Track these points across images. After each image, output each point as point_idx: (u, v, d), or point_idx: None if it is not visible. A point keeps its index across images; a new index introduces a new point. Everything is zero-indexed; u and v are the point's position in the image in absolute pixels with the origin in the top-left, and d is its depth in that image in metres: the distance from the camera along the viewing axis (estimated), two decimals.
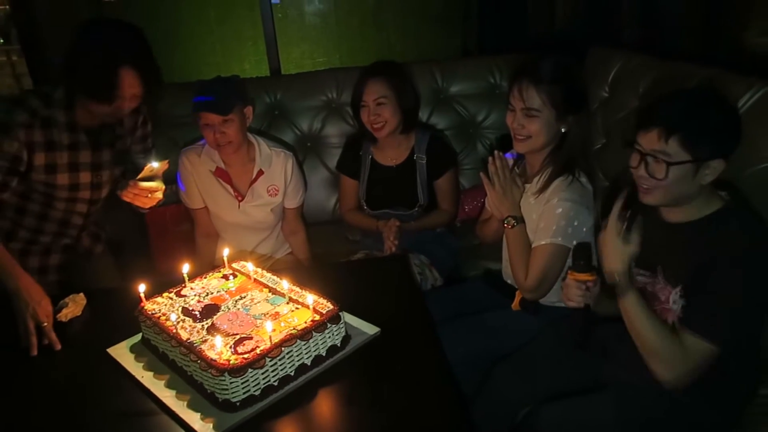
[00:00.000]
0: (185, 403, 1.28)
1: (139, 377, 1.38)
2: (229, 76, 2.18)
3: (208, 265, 2.13)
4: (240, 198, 2.19)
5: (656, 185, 1.35)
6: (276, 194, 2.22)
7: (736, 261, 1.28)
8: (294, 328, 1.33)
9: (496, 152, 1.75)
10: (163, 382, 1.36)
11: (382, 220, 2.26)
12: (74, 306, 1.68)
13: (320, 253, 2.41)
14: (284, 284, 1.47)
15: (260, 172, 2.19)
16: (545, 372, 1.61)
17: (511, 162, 1.91)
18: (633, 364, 1.50)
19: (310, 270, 2.08)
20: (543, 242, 1.68)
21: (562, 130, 1.71)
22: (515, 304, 1.84)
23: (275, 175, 2.22)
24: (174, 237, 2.41)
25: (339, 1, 3.95)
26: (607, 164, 2.06)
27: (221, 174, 2.18)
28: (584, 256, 1.46)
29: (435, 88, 2.61)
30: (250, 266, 1.60)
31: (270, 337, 1.28)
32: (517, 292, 1.83)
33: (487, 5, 3.23)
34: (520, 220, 1.74)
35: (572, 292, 1.46)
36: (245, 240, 2.28)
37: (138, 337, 1.52)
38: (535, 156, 1.78)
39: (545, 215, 1.69)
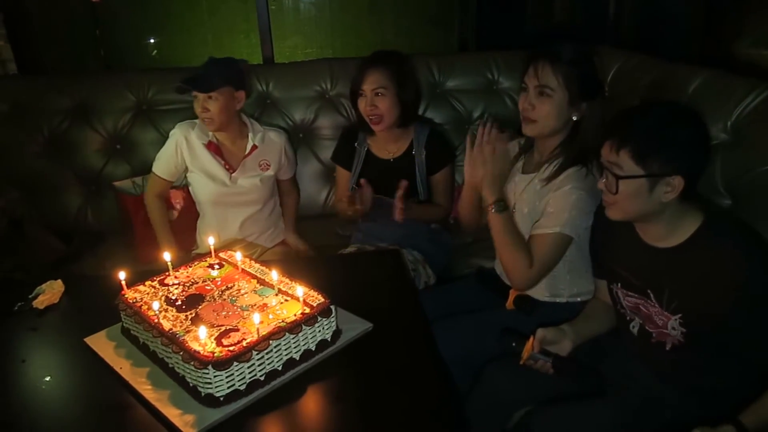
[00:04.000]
0: (166, 396, 1.22)
1: (117, 368, 1.31)
2: (224, 57, 2.18)
3: (160, 224, 2.24)
4: (231, 170, 2.21)
5: (614, 200, 1.32)
6: (267, 168, 2.26)
7: (752, 285, 1.22)
8: (283, 321, 1.27)
9: (488, 123, 1.64)
10: (142, 374, 1.29)
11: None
12: (51, 293, 1.60)
13: (309, 245, 2.36)
14: (273, 275, 1.41)
15: (254, 147, 2.22)
16: (539, 373, 1.56)
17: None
18: (631, 372, 1.47)
19: (300, 262, 2.02)
20: (550, 230, 1.61)
21: (574, 118, 1.65)
22: (509, 303, 1.79)
23: (268, 151, 2.26)
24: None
25: None
26: None
27: (213, 148, 2.20)
28: (514, 339, 1.49)
29: (431, 82, 2.56)
30: (238, 255, 1.53)
31: (257, 329, 1.22)
32: (511, 291, 1.78)
33: (486, 2, 3.20)
34: (506, 206, 1.65)
35: (538, 368, 1.46)
36: (232, 216, 2.25)
37: (117, 327, 1.45)
38: (544, 143, 1.72)
39: (556, 201, 1.62)
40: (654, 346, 1.42)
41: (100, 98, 2.51)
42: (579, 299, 1.73)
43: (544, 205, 1.65)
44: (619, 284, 1.47)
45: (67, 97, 2.49)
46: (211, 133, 2.20)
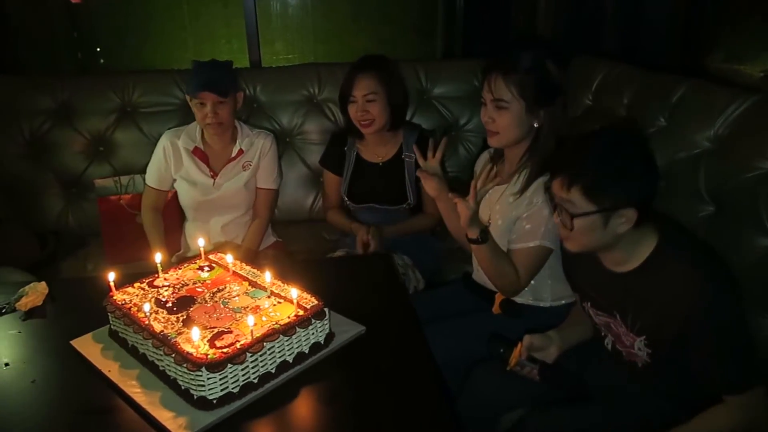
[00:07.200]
0: (157, 399, 1.20)
1: (105, 371, 1.29)
2: (221, 60, 2.20)
3: (154, 236, 2.18)
4: (215, 176, 2.19)
5: (569, 234, 1.32)
6: (249, 168, 2.23)
7: (702, 306, 1.22)
8: (276, 323, 1.26)
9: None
10: (132, 376, 1.27)
11: (356, 223, 2.21)
12: (34, 295, 1.57)
13: (296, 250, 2.35)
14: (266, 277, 1.40)
15: (240, 151, 2.21)
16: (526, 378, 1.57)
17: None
18: (616, 377, 1.48)
19: (291, 265, 2.01)
20: (532, 244, 1.65)
21: (535, 125, 1.67)
22: (495, 308, 1.81)
23: (253, 153, 2.24)
24: (127, 227, 2.30)
25: (318, 5, 3.92)
26: None
27: (198, 153, 2.20)
28: (502, 345, 1.51)
29: (419, 88, 2.57)
30: (229, 258, 1.52)
31: (251, 331, 1.21)
32: (497, 296, 1.79)
33: (472, 13, 3.22)
34: (488, 235, 1.65)
35: (524, 374, 1.47)
36: (215, 220, 2.24)
37: (104, 330, 1.43)
38: (512, 151, 1.75)
39: (533, 217, 1.66)
40: (626, 363, 1.43)
41: (83, 99, 2.47)
42: (563, 302, 1.76)
43: (518, 220, 1.68)
44: (589, 303, 1.49)
45: (49, 97, 2.45)
46: (198, 138, 2.19)
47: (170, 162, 2.19)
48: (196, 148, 2.19)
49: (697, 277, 1.23)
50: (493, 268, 1.68)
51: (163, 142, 2.20)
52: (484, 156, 1.92)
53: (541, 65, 1.65)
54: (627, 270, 1.34)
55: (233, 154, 2.20)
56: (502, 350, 1.50)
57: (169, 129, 2.26)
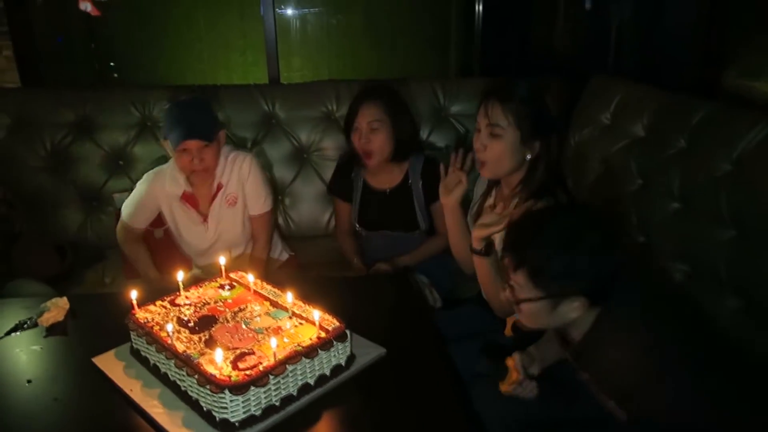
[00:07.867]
0: (179, 420, 1.20)
1: (127, 390, 1.29)
2: (198, 98, 2.13)
3: (143, 264, 2.14)
4: (205, 220, 2.10)
5: (521, 314, 1.29)
6: (235, 203, 2.09)
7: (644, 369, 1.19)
8: (299, 345, 1.26)
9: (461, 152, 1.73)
10: (154, 395, 1.27)
11: (357, 259, 2.20)
12: (56, 311, 1.58)
13: (311, 263, 2.36)
14: (288, 298, 1.40)
15: (219, 186, 2.08)
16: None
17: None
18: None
19: (309, 285, 2.02)
20: None
21: (527, 157, 1.66)
22: (507, 330, 1.80)
23: (233, 184, 2.09)
24: (145, 242, 2.24)
25: (332, 20, 3.95)
26: (607, 192, 2.04)
27: (188, 198, 2.09)
28: (489, 365, 1.52)
29: (436, 106, 2.57)
30: (250, 277, 1.52)
31: (274, 353, 1.21)
32: (508, 318, 1.78)
33: (489, 29, 3.24)
34: (492, 249, 1.65)
35: (523, 391, 1.43)
36: (219, 258, 2.18)
37: (126, 347, 1.43)
38: (507, 180, 1.74)
39: None
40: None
41: (104, 113, 2.50)
42: None
43: None
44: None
45: (71, 111, 2.48)
46: (183, 181, 2.05)
47: (159, 209, 2.11)
48: (184, 193, 2.06)
49: (631, 344, 1.21)
50: (491, 285, 1.67)
51: (147, 188, 2.08)
52: (484, 179, 1.90)
53: (539, 97, 1.66)
54: (576, 340, 1.30)
55: (213, 191, 2.06)
56: (487, 375, 1.48)
57: (148, 172, 2.13)
